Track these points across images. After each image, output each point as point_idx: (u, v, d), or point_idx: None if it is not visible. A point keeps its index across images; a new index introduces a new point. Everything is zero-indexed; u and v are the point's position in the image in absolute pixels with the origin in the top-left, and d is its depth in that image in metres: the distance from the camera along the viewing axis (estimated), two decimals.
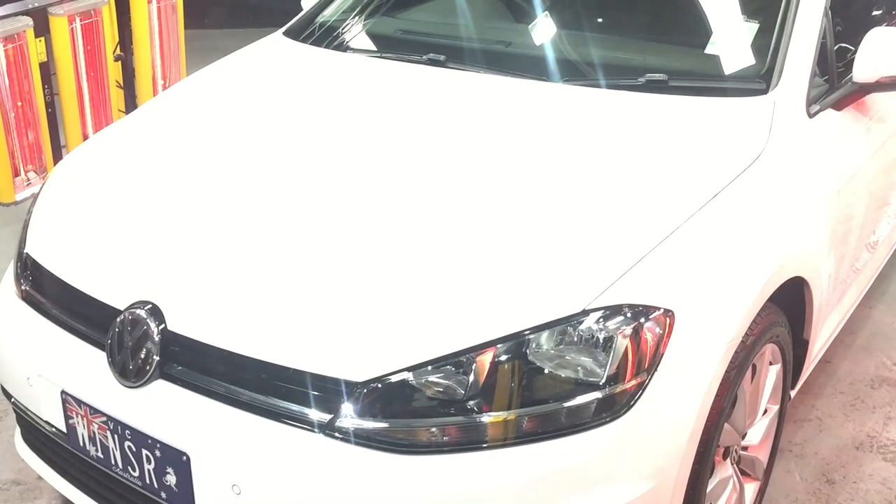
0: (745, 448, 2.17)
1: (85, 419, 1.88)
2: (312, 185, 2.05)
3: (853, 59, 2.39)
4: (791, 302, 2.15)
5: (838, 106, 2.36)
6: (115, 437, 1.82)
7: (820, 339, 2.49)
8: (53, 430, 1.97)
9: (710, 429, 1.78)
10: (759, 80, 2.24)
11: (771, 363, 2.16)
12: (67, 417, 1.92)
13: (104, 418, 1.84)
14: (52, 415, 1.96)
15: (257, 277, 1.79)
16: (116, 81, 3.74)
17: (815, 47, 2.31)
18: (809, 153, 2.22)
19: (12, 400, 2.11)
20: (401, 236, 1.82)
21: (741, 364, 1.86)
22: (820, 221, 2.21)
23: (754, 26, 2.39)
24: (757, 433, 2.17)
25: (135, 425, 1.78)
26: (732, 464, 2.10)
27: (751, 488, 2.23)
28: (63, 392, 1.90)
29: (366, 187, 2.00)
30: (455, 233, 1.82)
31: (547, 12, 2.70)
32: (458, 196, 1.93)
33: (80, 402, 1.87)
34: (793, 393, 2.45)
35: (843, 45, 2.56)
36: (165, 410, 1.76)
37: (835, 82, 2.41)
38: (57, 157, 3.53)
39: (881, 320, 3.49)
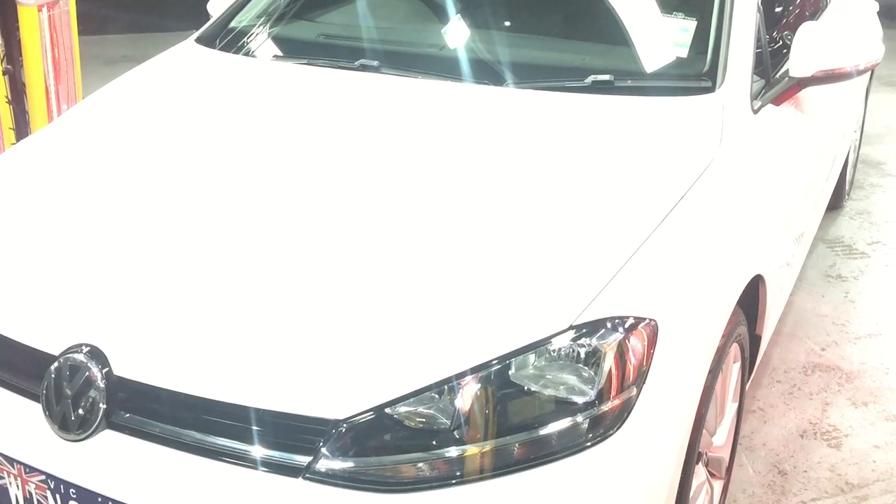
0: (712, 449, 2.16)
1: (19, 479, 1.67)
2: (263, 205, 1.90)
3: (783, 54, 2.42)
4: (746, 299, 2.15)
5: (777, 101, 2.38)
6: (58, 496, 1.63)
7: (766, 333, 2.52)
8: None
9: (694, 437, 1.75)
10: (703, 77, 2.23)
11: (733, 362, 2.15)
12: None
13: (42, 477, 1.64)
14: None
15: (213, 309, 1.63)
16: (6, 97, 3.45)
17: (753, 43, 2.32)
18: (757, 149, 2.23)
19: None
20: (367, 261, 1.70)
21: (716, 368, 1.84)
22: (771, 217, 2.22)
23: (692, 24, 2.38)
24: (723, 433, 2.16)
25: (80, 483, 1.60)
26: (703, 466, 2.08)
27: (717, 487, 2.22)
28: None
29: (324, 207, 1.87)
30: (424, 255, 1.71)
31: (481, 12, 2.63)
32: (420, 215, 1.82)
33: (11, 461, 1.67)
34: (747, 388, 2.47)
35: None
36: (116, 464, 1.59)
37: (770, 77, 2.43)
38: None
39: (802, 307, 3.58)
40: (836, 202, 4.27)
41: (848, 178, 4.44)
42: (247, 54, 2.64)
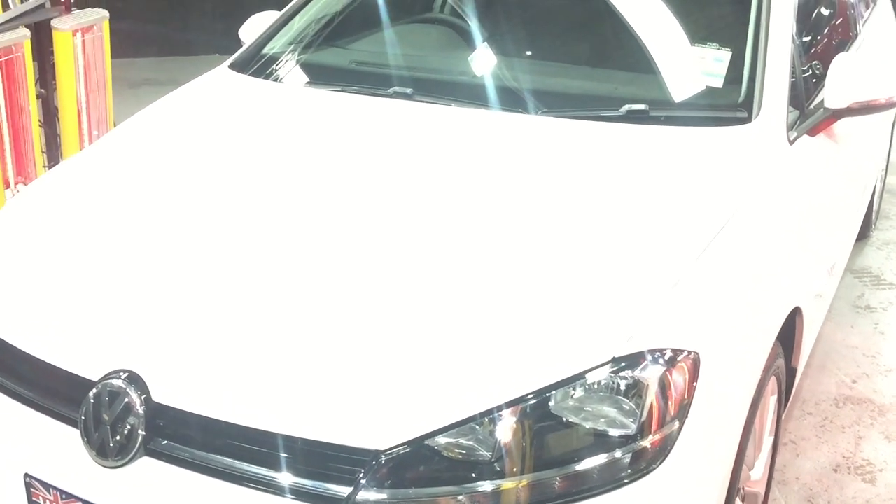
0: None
1: None
2: (301, 231, 1.90)
3: (814, 84, 2.41)
4: (782, 331, 2.13)
5: (812, 132, 2.37)
6: None
7: (801, 365, 2.49)
8: None
9: (735, 472, 1.72)
10: (739, 108, 2.22)
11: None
12: (32, 503, 1.70)
13: (79, 503, 1.64)
14: (11, 500, 1.74)
15: (254, 336, 1.63)
16: (38, 120, 3.48)
17: (788, 73, 2.31)
18: (794, 180, 2.21)
19: None
20: (408, 290, 1.69)
21: (756, 401, 1.81)
22: (808, 248, 2.20)
23: (726, 54, 2.38)
24: (760, 468, 2.13)
25: None
26: (741, 502, 2.05)
27: None
28: (27, 475, 1.69)
29: (364, 235, 1.87)
30: (467, 285, 1.70)
31: (514, 40, 2.63)
32: (461, 244, 1.81)
33: (48, 487, 1.67)
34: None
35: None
36: (153, 491, 1.58)
37: (804, 108, 2.42)
38: None
39: (832, 338, 3.54)
40: (864, 232, 4.23)
41: (875, 207, 4.41)
42: (281, 80, 2.66)
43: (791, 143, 2.25)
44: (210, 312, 1.69)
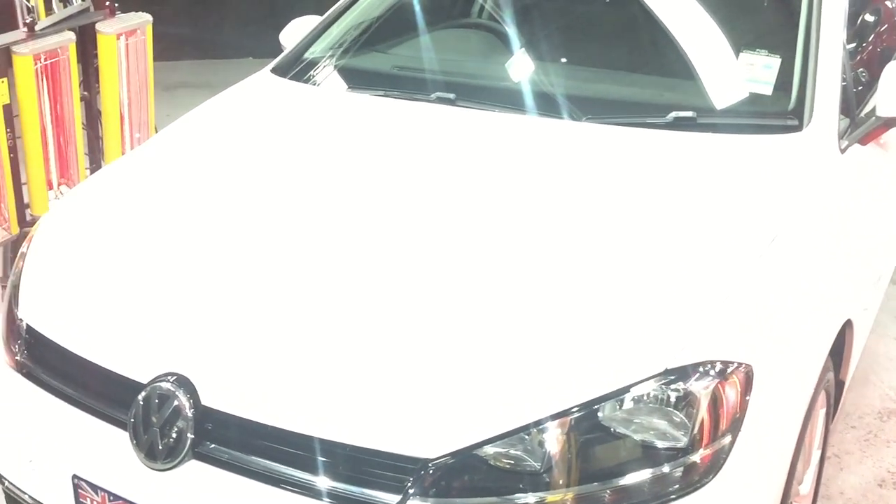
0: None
1: None
2: (351, 235, 1.89)
3: (861, 91, 2.36)
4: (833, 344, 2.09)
5: (863, 140, 2.33)
6: None
7: (848, 378, 2.44)
8: None
9: (787, 488, 1.69)
10: (790, 116, 2.18)
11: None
12: None
13: None
14: (59, 501, 1.76)
15: (303, 341, 1.63)
16: (82, 122, 3.52)
17: (839, 80, 2.27)
18: (845, 190, 2.17)
19: (5, 484, 1.89)
20: (460, 298, 1.68)
21: (808, 415, 1.78)
22: (859, 260, 2.16)
23: (776, 61, 2.34)
24: (808, 482, 2.10)
25: None
26: None
27: None
28: (75, 476, 1.70)
29: (412, 240, 1.86)
30: (519, 293, 1.68)
31: (558, 46, 2.62)
32: (512, 252, 1.79)
33: (96, 488, 1.68)
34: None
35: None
36: (201, 494, 1.58)
37: (854, 116, 2.38)
38: (20, 204, 3.28)
39: (874, 350, 3.48)
40: None
41: None
42: (323, 85, 2.66)
43: (842, 151, 2.21)
44: (260, 317, 1.69)
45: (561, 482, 1.49)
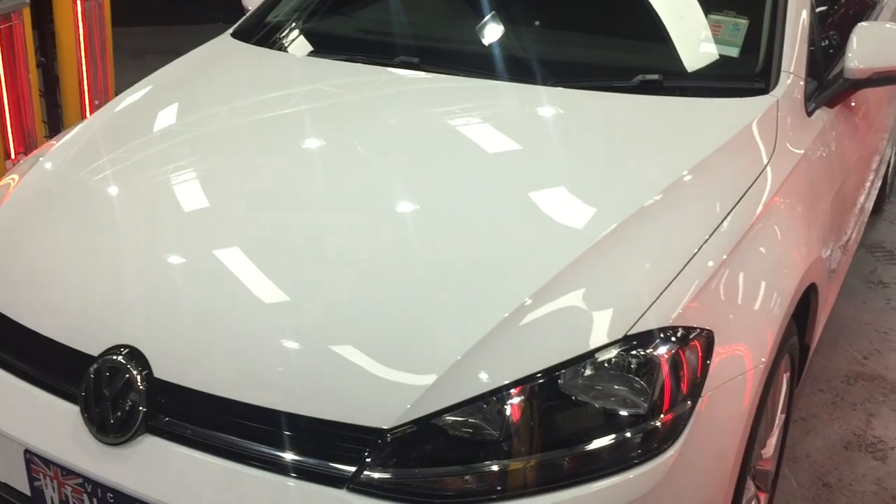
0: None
1: (55, 481, 1.64)
2: (306, 202, 1.85)
3: (830, 54, 2.34)
4: (797, 308, 2.08)
5: (831, 103, 2.31)
6: (94, 500, 1.60)
7: (814, 342, 2.45)
8: (14, 493, 1.73)
9: (748, 452, 1.68)
10: (757, 78, 2.16)
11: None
12: (32, 479, 1.68)
13: (80, 480, 1.61)
14: (11, 476, 1.72)
15: (258, 312, 1.59)
16: (39, 89, 3.43)
17: (807, 43, 2.25)
18: (812, 153, 2.16)
19: None
20: (414, 267, 1.64)
21: (769, 380, 1.77)
22: (824, 223, 2.15)
23: (743, 22, 2.31)
24: (771, 446, 2.10)
25: (119, 486, 1.57)
26: (752, 480, 2.02)
27: (763, 501, 2.16)
28: (27, 451, 1.67)
29: (368, 206, 1.82)
30: (476, 260, 1.65)
31: (524, 9, 2.56)
32: (471, 217, 1.76)
33: (48, 463, 1.64)
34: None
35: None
36: (155, 468, 1.55)
37: (822, 78, 2.35)
38: None
39: (843, 313, 3.49)
40: (877, 206, 4.17)
41: (889, 181, 4.33)
42: (284, 49, 2.60)
43: (809, 114, 2.19)
44: (212, 288, 1.65)
45: (521, 450, 1.47)
